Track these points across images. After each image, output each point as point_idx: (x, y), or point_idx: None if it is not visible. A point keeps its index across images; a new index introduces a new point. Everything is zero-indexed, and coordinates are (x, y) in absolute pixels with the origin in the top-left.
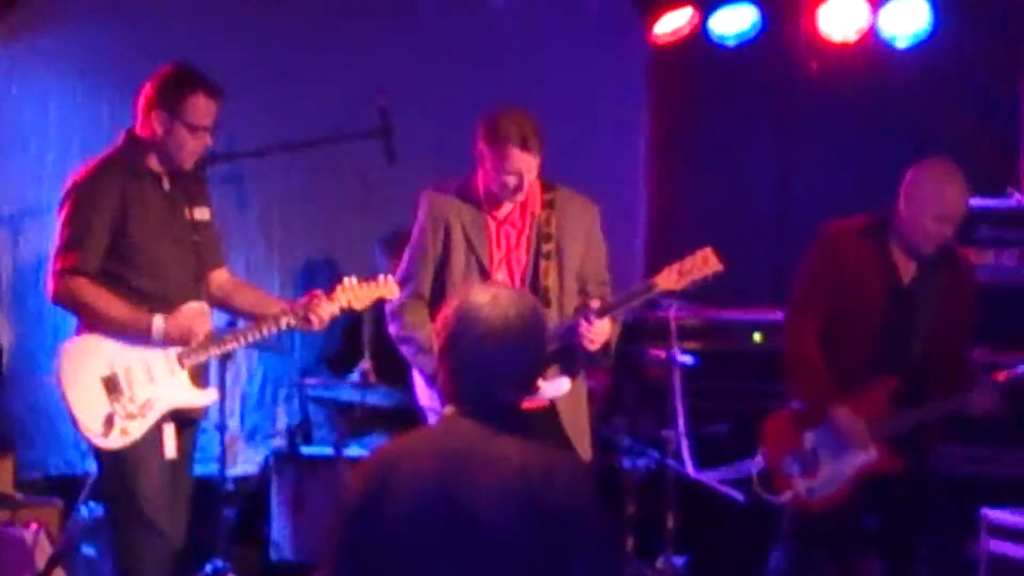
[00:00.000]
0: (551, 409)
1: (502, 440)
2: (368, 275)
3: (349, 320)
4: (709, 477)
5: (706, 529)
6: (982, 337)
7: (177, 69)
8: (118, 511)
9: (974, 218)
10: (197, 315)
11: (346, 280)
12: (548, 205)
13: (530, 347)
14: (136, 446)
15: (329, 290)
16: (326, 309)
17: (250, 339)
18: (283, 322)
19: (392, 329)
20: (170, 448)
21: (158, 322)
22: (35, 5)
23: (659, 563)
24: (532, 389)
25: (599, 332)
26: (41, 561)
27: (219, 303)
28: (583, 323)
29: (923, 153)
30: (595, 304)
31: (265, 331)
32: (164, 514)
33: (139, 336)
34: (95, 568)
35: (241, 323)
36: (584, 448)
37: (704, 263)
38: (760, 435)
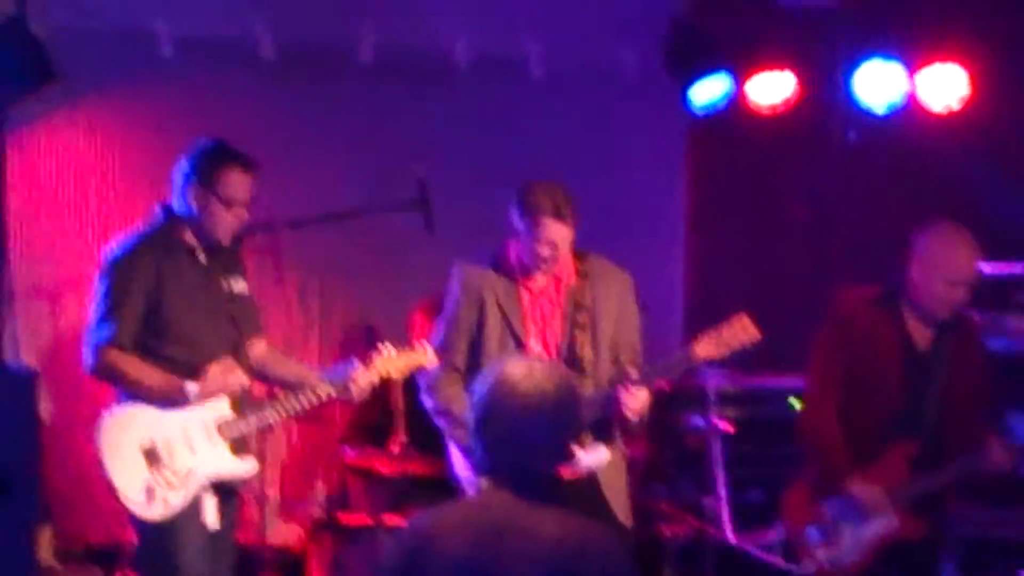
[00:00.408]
0: (591, 478)
1: (539, 512)
2: (405, 342)
3: (383, 391)
4: (748, 543)
5: None
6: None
7: (213, 144)
8: None
9: (1015, 284)
10: (226, 369)
11: (383, 349)
12: (582, 275)
13: (565, 419)
14: (177, 517)
15: (366, 360)
16: (365, 379)
17: (288, 410)
18: (322, 392)
19: (428, 403)
20: (211, 519)
21: (191, 387)
22: (73, 80)
23: None
24: (568, 459)
25: (639, 401)
26: None
27: (257, 374)
28: (624, 392)
29: (961, 218)
30: (634, 373)
31: (304, 402)
32: None
33: (175, 401)
34: None
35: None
36: (625, 515)
37: (742, 331)
38: (780, 506)
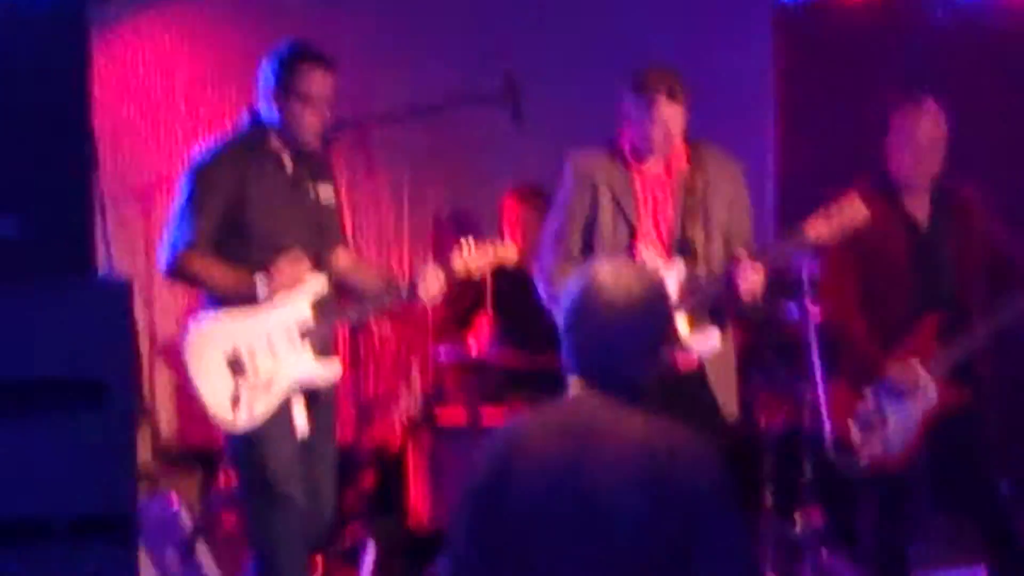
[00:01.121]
0: (699, 371)
1: (627, 415)
2: (496, 234)
3: (475, 284)
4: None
5: (844, 486)
6: None
7: (290, 46)
8: (250, 489)
9: None
10: (294, 261)
11: (463, 244)
12: (694, 162)
13: (653, 323)
14: (265, 423)
15: (447, 258)
16: (432, 283)
17: (365, 313)
18: (389, 297)
19: (542, 290)
20: (301, 423)
21: (260, 280)
22: None
23: (796, 519)
24: (658, 363)
25: (753, 281)
26: (183, 532)
27: (339, 282)
28: (737, 273)
29: None
30: (744, 254)
31: (372, 309)
32: (297, 490)
33: (247, 297)
34: (235, 540)
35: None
36: (731, 407)
37: (851, 209)
38: (824, 406)
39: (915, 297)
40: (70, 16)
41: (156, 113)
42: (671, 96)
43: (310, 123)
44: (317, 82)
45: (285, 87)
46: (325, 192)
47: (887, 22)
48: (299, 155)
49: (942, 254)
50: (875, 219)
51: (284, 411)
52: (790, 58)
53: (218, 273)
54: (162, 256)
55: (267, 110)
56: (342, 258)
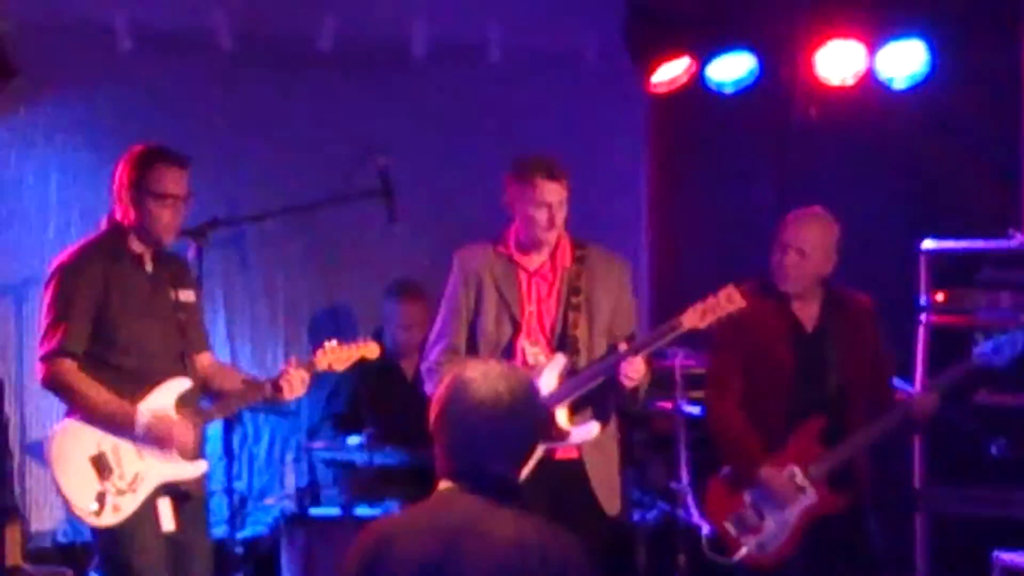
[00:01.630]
0: (577, 460)
1: (499, 514)
2: (375, 327)
3: (358, 382)
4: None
5: None
6: (986, 378)
7: (141, 148)
8: None
9: (976, 259)
10: (179, 423)
11: (327, 344)
12: (578, 260)
13: (521, 421)
14: (129, 522)
15: (310, 355)
16: (296, 377)
17: (219, 416)
18: (252, 396)
19: (428, 387)
20: (166, 522)
21: (142, 418)
22: (33, 78)
23: None
24: (524, 465)
25: (636, 368)
26: None
27: (203, 386)
28: (620, 361)
29: (923, 195)
30: (624, 346)
31: (235, 407)
32: None
33: (122, 429)
34: None
35: None
36: (612, 501)
37: (728, 300)
38: (702, 501)
39: (798, 399)
40: None
41: (27, 210)
42: (551, 176)
43: (166, 221)
44: (171, 180)
45: (139, 186)
46: (186, 295)
47: (760, 112)
48: (159, 258)
49: (827, 358)
50: (763, 320)
51: (150, 509)
52: (664, 146)
53: (98, 396)
54: (38, 366)
55: (122, 212)
56: (207, 362)
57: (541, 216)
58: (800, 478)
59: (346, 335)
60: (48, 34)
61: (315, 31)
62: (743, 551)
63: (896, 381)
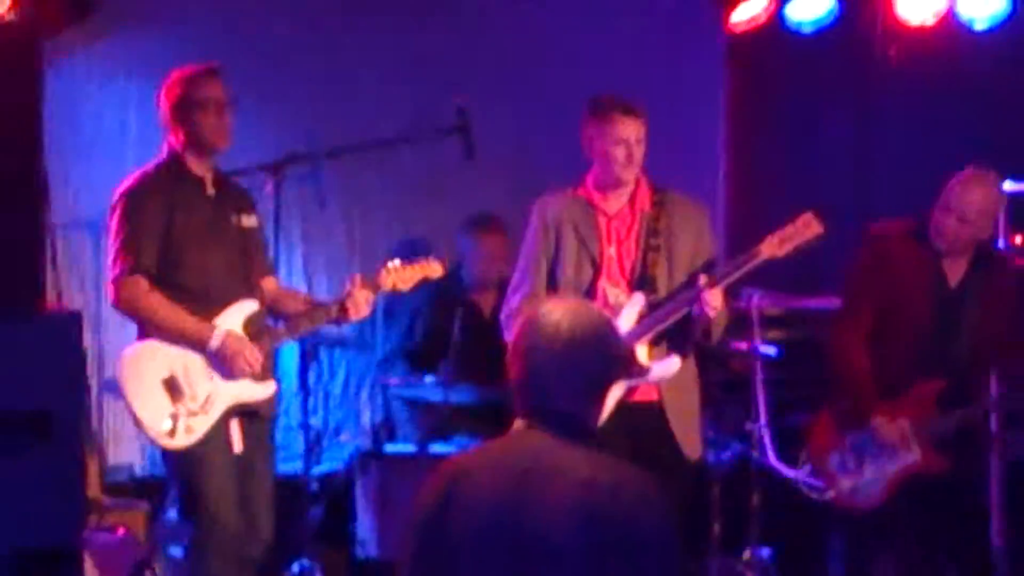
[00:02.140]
0: (657, 402)
1: (571, 452)
2: (452, 263)
3: (434, 317)
4: (792, 469)
5: (792, 520)
6: None
7: (172, 73)
8: (188, 508)
9: None
10: (251, 347)
11: (390, 263)
12: (657, 204)
13: (593, 362)
14: (201, 443)
15: (374, 275)
16: (360, 296)
17: (288, 337)
18: (319, 318)
19: (508, 335)
20: (237, 443)
21: (218, 334)
22: (111, 11)
23: (745, 555)
24: (598, 402)
25: (715, 298)
26: (129, 565)
27: (269, 309)
28: (701, 292)
29: (1003, 137)
30: (704, 278)
31: (303, 328)
32: (234, 511)
33: (196, 343)
34: (183, 570)
35: None
36: (693, 445)
37: (806, 227)
38: (805, 433)
39: (926, 356)
40: (19, 51)
41: (107, 143)
42: (627, 112)
43: (214, 123)
44: (209, 86)
45: (180, 105)
46: (248, 221)
47: (839, 53)
48: (221, 183)
49: (965, 318)
50: (909, 269)
51: (221, 431)
52: (742, 86)
53: (172, 314)
54: (109, 289)
55: (174, 136)
56: (271, 286)
57: (619, 153)
58: (909, 434)
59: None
60: None
61: None
62: (839, 489)
63: None
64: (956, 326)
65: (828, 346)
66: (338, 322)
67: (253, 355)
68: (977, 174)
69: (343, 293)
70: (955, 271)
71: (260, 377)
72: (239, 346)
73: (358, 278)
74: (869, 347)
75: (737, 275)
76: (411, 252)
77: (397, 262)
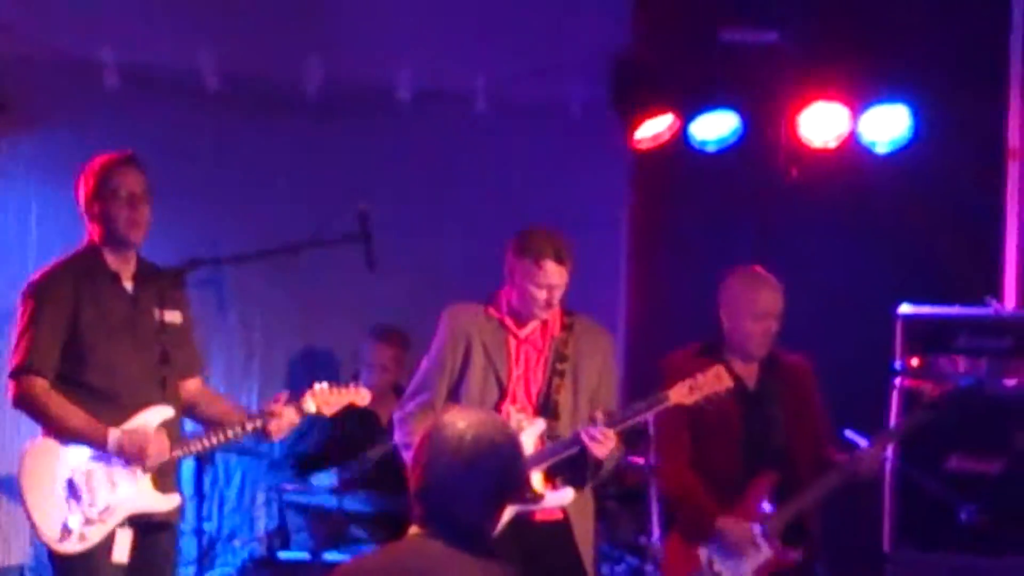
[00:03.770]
0: (564, 522)
1: (463, 561)
2: (352, 373)
3: (330, 423)
4: None
5: None
6: (957, 443)
7: (92, 161)
8: None
9: (953, 326)
10: (156, 438)
11: (316, 386)
12: (567, 328)
13: (495, 470)
14: (92, 552)
15: (299, 396)
16: (285, 418)
17: (212, 445)
18: (238, 430)
19: (398, 436)
20: (120, 552)
21: (114, 435)
22: (17, 112)
23: None
24: (494, 515)
25: (606, 443)
26: None
27: (188, 411)
28: (591, 428)
29: (902, 259)
30: (600, 417)
31: (222, 437)
32: None
33: (94, 446)
34: None
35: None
36: (589, 561)
37: (716, 380)
38: (660, 565)
39: (747, 457)
40: None
41: (7, 243)
42: (558, 260)
43: (128, 216)
44: (127, 178)
45: (97, 195)
46: (172, 316)
47: (742, 171)
48: (142, 277)
49: (772, 414)
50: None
51: (109, 540)
52: (646, 202)
53: (71, 415)
54: (8, 385)
55: (91, 228)
56: (195, 387)
57: (540, 296)
58: (757, 534)
59: (321, 379)
60: (34, 69)
61: (301, 74)
62: None
63: (848, 432)
64: (767, 424)
65: (658, 482)
66: (258, 437)
67: (158, 447)
68: (766, 275)
69: (266, 410)
70: (750, 375)
71: (164, 488)
72: (140, 440)
73: (283, 397)
74: (696, 468)
75: (639, 418)
76: (310, 364)
77: (325, 386)
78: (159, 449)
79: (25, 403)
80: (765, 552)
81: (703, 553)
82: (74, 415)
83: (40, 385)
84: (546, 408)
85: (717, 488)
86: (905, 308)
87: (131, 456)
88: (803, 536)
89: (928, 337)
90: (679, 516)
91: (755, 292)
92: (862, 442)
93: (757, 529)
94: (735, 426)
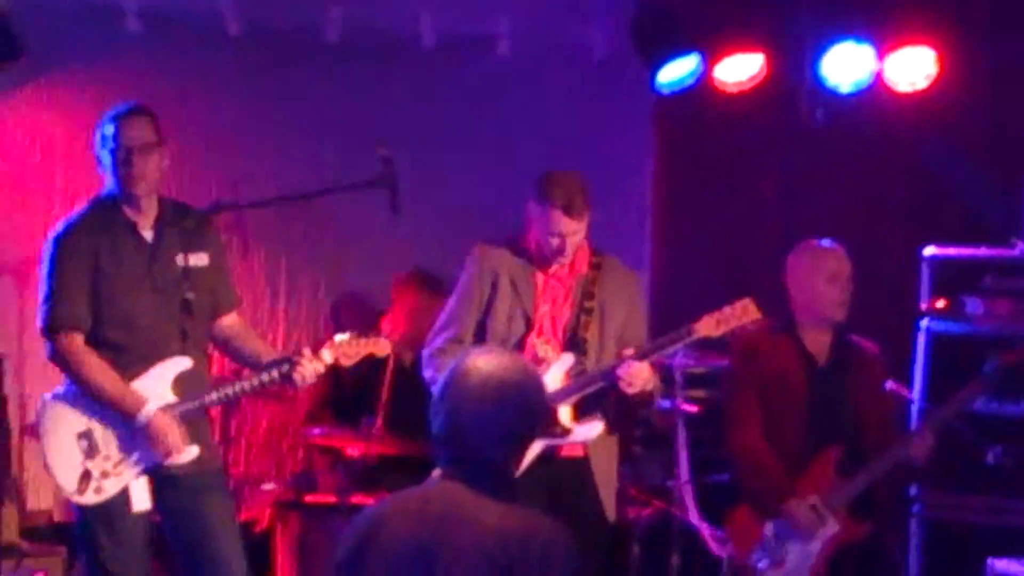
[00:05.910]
0: (583, 458)
1: (485, 503)
2: (372, 320)
3: (359, 369)
4: (711, 527)
5: None
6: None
7: (110, 110)
8: (88, 565)
9: (979, 267)
10: (175, 435)
11: (337, 337)
12: (594, 267)
13: (515, 411)
14: (108, 503)
15: (317, 345)
16: (308, 368)
17: (231, 396)
18: (265, 378)
19: (427, 373)
20: (139, 501)
21: (144, 413)
22: (40, 56)
23: None
24: (517, 455)
25: (637, 374)
26: None
27: (219, 345)
28: (620, 365)
29: (927, 201)
30: (630, 351)
31: (247, 387)
32: (134, 570)
33: (125, 414)
34: None
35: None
36: (610, 502)
37: (743, 312)
38: (726, 532)
39: (813, 430)
40: None
41: (32, 188)
42: (567, 211)
43: (127, 174)
44: (128, 131)
45: (100, 147)
46: (198, 259)
47: (765, 114)
48: (164, 222)
49: (839, 389)
50: (776, 354)
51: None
52: (669, 145)
53: (107, 381)
54: (44, 340)
55: (110, 181)
56: (229, 321)
57: (553, 242)
58: (821, 507)
59: (346, 323)
60: (55, 14)
61: (322, 20)
62: None
63: (889, 383)
64: (835, 399)
65: (729, 454)
66: (282, 383)
67: (176, 440)
68: (829, 243)
69: (293, 357)
70: (819, 349)
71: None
72: (165, 429)
73: (308, 351)
74: (764, 440)
75: (667, 351)
76: (337, 307)
77: (346, 336)
78: (176, 443)
79: (61, 360)
80: (832, 526)
81: (769, 529)
82: (110, 382)
83: (78, 343)
84: (574, 344)
85: (784, 460)
86: (930, 250)
87: (150, 438)
88: (873, 510)
89: (954, 279)
90: (749, 488)
91: (823, 258)
92: (904, 392)
93: (821, 504)
94: (801, 401)
